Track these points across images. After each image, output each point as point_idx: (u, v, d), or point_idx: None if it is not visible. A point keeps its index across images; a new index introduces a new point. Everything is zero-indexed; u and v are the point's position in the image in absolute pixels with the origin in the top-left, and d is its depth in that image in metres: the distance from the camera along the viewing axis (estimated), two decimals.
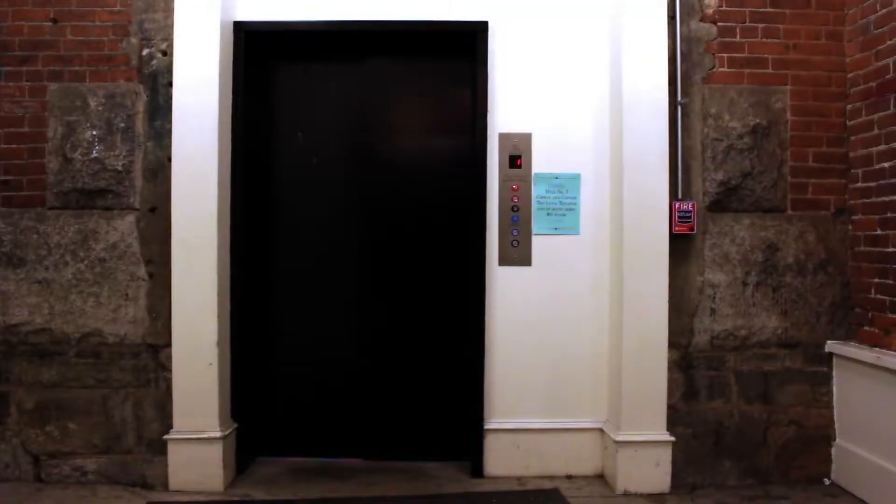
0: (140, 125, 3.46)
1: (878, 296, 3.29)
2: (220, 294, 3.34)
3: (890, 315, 3.20)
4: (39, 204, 3.46)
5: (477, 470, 3.51)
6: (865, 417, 3.29)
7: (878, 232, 3.29)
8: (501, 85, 3.55)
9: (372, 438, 3.76)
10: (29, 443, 3.43)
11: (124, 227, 3.45)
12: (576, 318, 3.55)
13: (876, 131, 3.30)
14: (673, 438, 3.36)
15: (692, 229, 3.44)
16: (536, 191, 3.55)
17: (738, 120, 3.50)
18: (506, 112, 3.55)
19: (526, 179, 3.55)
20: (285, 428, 3.79)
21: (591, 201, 3.56)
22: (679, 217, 3.41)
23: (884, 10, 3.24)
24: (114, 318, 3.44)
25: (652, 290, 3.34)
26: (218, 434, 3.31)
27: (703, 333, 3.50)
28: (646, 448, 3.33)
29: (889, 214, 3.21)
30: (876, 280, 3.31)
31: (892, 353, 3.14)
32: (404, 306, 3.75)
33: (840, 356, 3.45)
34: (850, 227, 3.50)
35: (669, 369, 3.39)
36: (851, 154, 3.48)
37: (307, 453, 3.76)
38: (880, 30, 3.26)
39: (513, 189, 3.56)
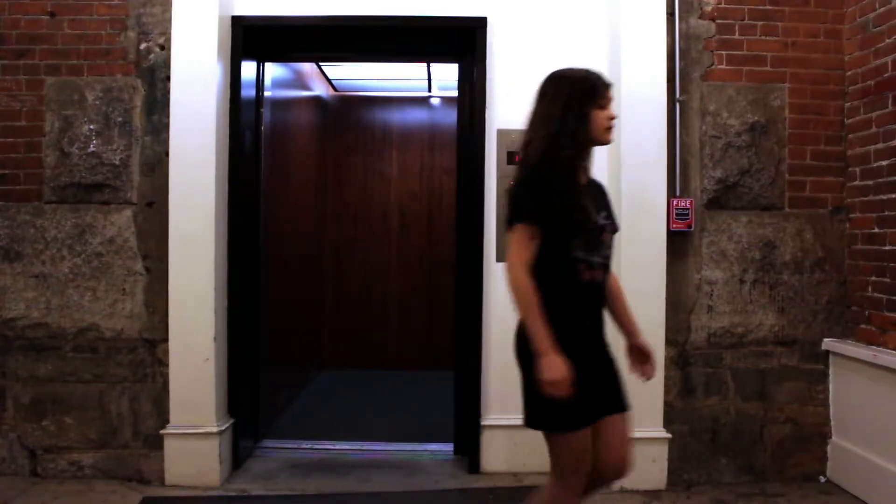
0: (137, 119, 3.45)
1: (875, 294, 3.29)
2: (217, 289, 3.33)
3: (887, 313, 3.20)
4: (36, 198, 3.44)
5: (474, 466, 3.51)
6: (861, 415, 3.30)
7: (876, 230, 3.29)
8: (500, 81, 3.54)
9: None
10: (25, 437, 3.43)
11: (121, 221, 3.44)
12: None
13: (874, 129, 3.30)
14: (669, 435, 3.37)
15: (690, 226, 3.43)
16: None
17: (737, 117, 3.49)
18: (504, 108, 3.54)
19: None
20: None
21: None
22: (677, 214, 3.41)
23: (882, 9, 3.23)
24: (111, 313, 3.43)
25: (649, 286, 3.33)
26: (214, 429, 3.30)
27: (701, 330, 3.50)
28: (642, 445, 3.31)
29: (886, 213, 3.21)
30: (873, 278, 3.31)
31: (888, 351, 3.15)
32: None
33: (837, 354, 3.45)
34: (847, 225, 3.51)
35: (666, 366, 3.39)
36: (849, 152, 3.48)
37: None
38: (879, 28, 3.26)
39: (511, 185, 3.54)
